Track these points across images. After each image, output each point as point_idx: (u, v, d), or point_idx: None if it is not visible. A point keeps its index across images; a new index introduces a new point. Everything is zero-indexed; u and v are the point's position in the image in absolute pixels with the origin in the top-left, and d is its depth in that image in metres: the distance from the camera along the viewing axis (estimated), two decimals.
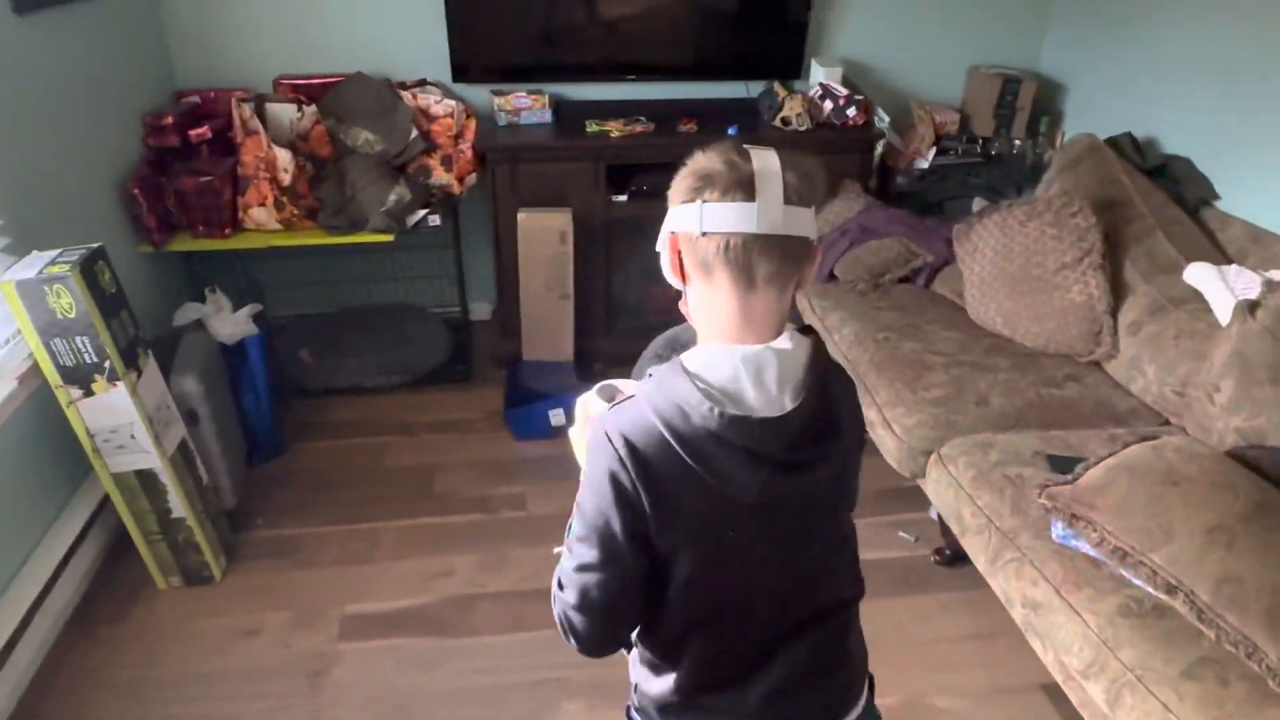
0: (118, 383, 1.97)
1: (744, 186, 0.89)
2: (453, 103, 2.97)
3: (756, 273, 0.91)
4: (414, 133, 2.92)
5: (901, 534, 2.48)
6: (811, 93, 3.12)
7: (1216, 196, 2.64)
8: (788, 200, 0.89)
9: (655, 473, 0.90)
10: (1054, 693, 1.92)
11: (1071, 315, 2.47)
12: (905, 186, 3.30)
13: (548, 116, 3.10)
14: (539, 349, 3.19)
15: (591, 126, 3.03)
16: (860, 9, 3.25)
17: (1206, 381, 2.06)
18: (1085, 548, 1.71)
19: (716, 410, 0.87)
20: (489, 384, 3.17)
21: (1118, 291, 2.46)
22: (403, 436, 2.88)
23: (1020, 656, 2.00)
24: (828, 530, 1.05)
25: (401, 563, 2.35)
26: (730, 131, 3.03)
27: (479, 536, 2.45)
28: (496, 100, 3.05)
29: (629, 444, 0.90)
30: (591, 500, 0.94)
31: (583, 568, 0.95)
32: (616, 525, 0.92)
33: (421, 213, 2.88)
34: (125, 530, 2.16)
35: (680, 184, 0.94)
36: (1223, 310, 2.21)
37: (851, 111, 3.05)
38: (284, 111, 2.77)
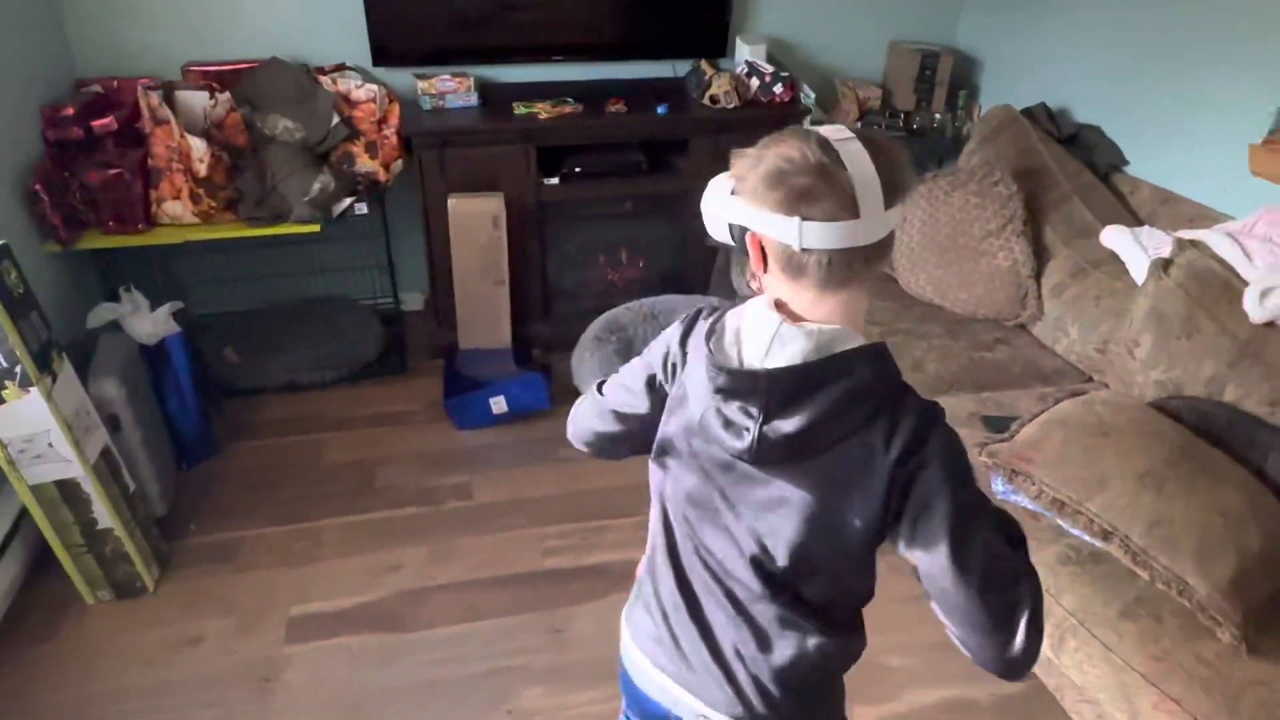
0: (31, 388, 1.86)
1: (847, 204, 0.86)
2: (375, 87, 2.89)
3: (850, 277, 0.91)
4: (335, 119, 2.83)
5: None
6: (738, 70, 3.14)
7: (1126, 162, 2.76)
8: (888, 205, 0.87)
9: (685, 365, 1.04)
10: None
11: (998, 280, 2.56)
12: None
13: (474, 99, 3.04)
14: (476, 337, 3.14)
15: (519, 109, 2.98)
16: None
17: (1126, 338, 2.16)
18: (1024, 502, 1.77)
19: (712, 340, 0.97)
20: (426, 375, 3.11)
21: (1040, 256, 2.55)
22: (340, 432, 2.81)
23: None
24: (769, 541, 1.00)
25: (348, 560, 2.29)
26: (660, 111, 3.03)
27: (426, 529, 2.40)
28: (420, 84, 2.98)
29: (685, 336, 1.05)
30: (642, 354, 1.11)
31: (610, 379, 1.16)
32: (651, 367, 1.09)
33: (347, 201, 2.80)
34: (47, 544, 2.05)
35: (766, 188, 0.89)
36: (1139, 270, 2.32)
37: (778, 89, 3.08)
38: (195, 99, 2.65)
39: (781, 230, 0.88)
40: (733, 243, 0.98)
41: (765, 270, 0.94)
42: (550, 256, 3.21)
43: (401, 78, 3.05)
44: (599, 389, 1.19)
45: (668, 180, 3.18)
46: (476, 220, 2.93)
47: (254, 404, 2.91)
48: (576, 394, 2.84)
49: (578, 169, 3.07)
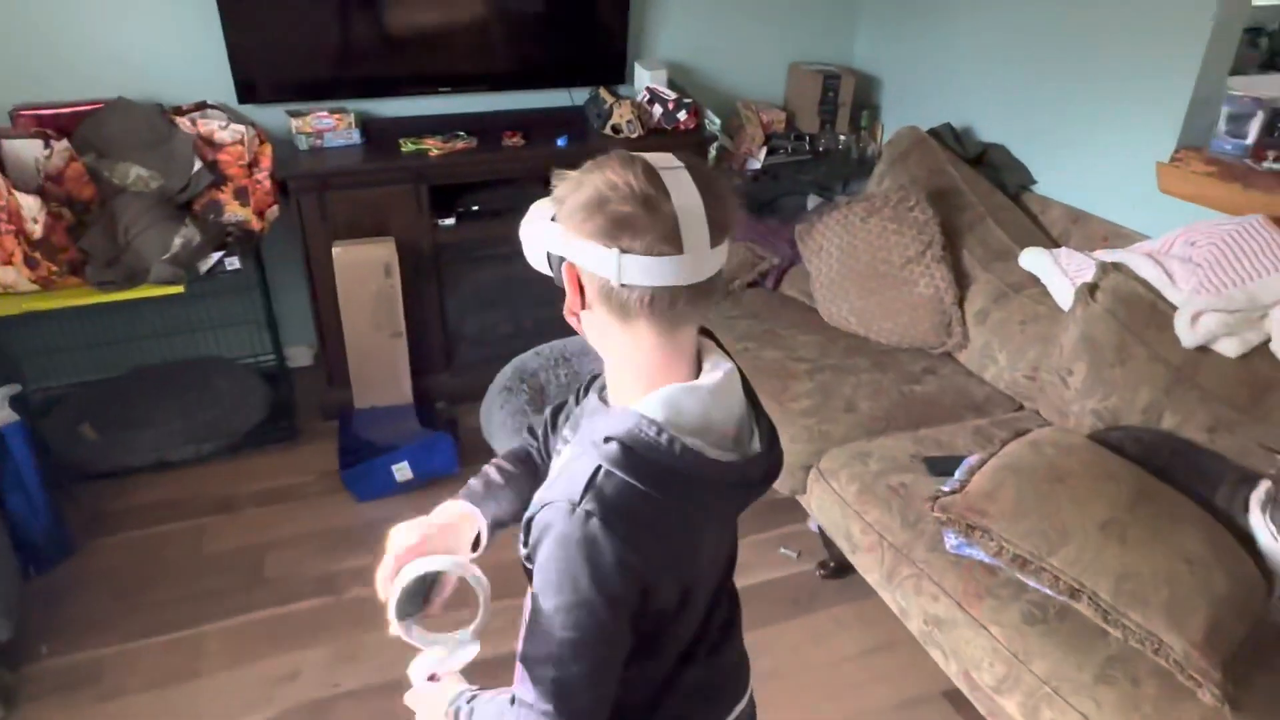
0: None
1: (669, 237, 0.78)
2: (241, 128, 2.60)
3: (682, 318, 0.83)
4: (197, 164, 2.53)
5: (783, 550, 2.40)
6: (640, 98, 3.00)
7: (1034, 181, 2.74)
8: (714, 243, 0.80)
9: (656, 539, 0.81)
10: (956, 698, 1.88)
11: (921, 309, 2.48)
12: (741, 188, 3.24)
13: (356, 137, 2.78)
14: (373, 394, 2.87)
15: (407, 145, 2.75)
16: (679, 10, 3.16)
17: (1059, 366, 2.10)
18: (980, 555, 1.67)
19: (706, 459, 0.81)
20: (319, 440, 2.82)
21: (960, 281, 2.50)
22: (223, 515, 2.49)
23: (920, 664, 1.95)
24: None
25: (235, 672, 2.00)
26: (559, 143, 2.85)
27: (326, 624, 2.13)
28: (294, 122, 2.71)
29: (630, 519, 0.78)
30: (582, 607, 0.79)
31: (572, 688, 0.81)
32: (619, 619, 0.81)
33: (216, 256, 2.50)
34: None
35: (585, 217, 0.80)
36: (1061, 294, 2.27)
37: (682, 115, 2.95)
38: (26, 149, 2.31)
39: (599, 262, 0.79)
40: (550, 273, 0.88)
41: (584, 306, 0.85)
42: (450, 302, 2.98)
43: (272, 115, 2.77)
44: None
45: None
46: (366, 268, 2.67)
47: (118, 489, 2.56)
48: (488, 452, 2.67)
49: (474, 207, 2.86)
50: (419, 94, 2.95)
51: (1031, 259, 2.40)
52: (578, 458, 0.82)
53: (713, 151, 3.11)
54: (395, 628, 1.00)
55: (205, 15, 2.57)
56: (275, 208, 2.70)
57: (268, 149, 2.66)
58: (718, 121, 3.08)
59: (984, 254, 2.52)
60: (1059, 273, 2.31)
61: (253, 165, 2.64)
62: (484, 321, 3.11)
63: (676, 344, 0.84)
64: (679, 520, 0.83)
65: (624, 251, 0.78)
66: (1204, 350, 1.91)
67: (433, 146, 2.74)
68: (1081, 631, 1.51)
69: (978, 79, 2.91)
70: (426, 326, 2.93)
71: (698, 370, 0.87)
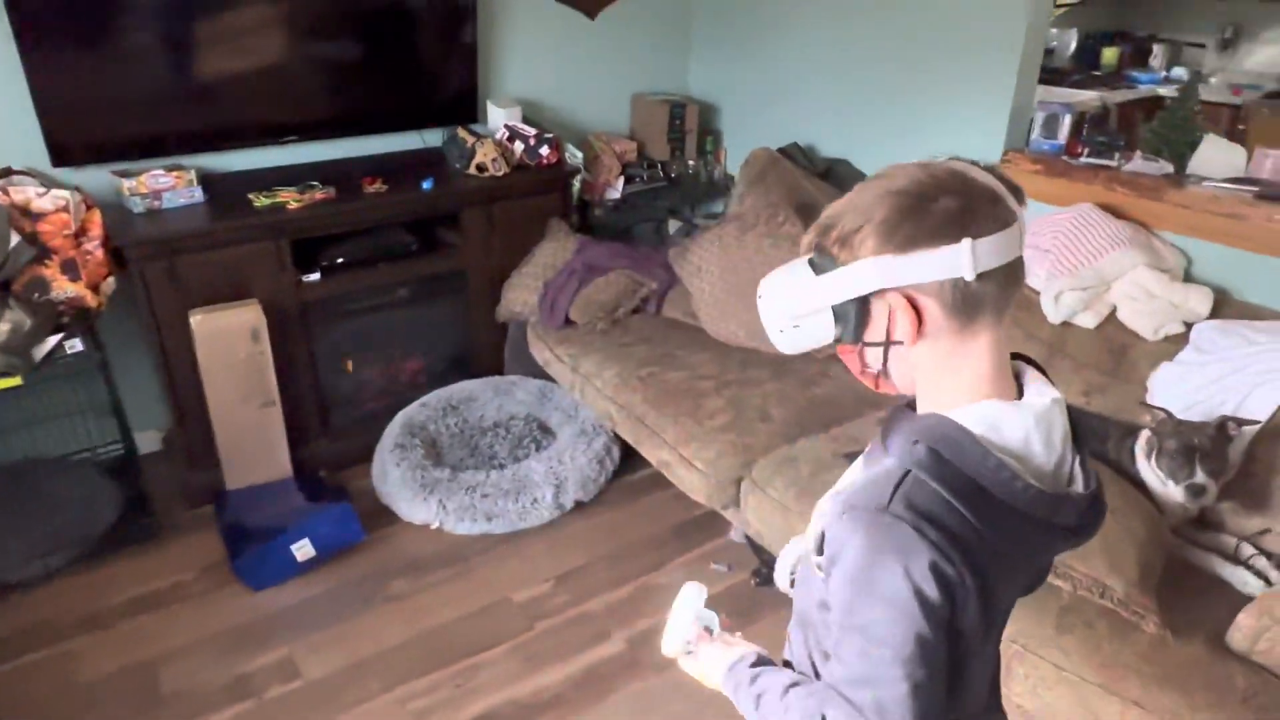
0: None
1: (1001, 208, 0.75)
2: (64, 194, 2.30)
3: (1010, 303, 0.78)
4: (15, 238, 2.22)
5: (714, 566, 2.43)
6: (499, 135, 2.96)
7: None
8: (1020, 203, 0.78)
9: (965, 554, 0.74)
10: None
11: None
12: (603, 218, 3.28)
13: (198, 195, 2.55)
14: (247, 472, 2.62)
15: (259, 200, 2.56)
16: (524, 47, 3.16)
17: None
18: None
19: (1021, 484, 0.75)
20: (189, 532, 2.53)
21: None
22: (93, 634, 2.17)
23: None
24: None
25: None
26: (425, 186, 2.76)
27: None
28: (126, 183, 2.44)
29: (941, 526, 0.73)
30: (896, 617, 0.73)
31: (892, 707, 0.75)
32: (933, 629, 0.73)
33: (53, 340, 2.20)
34: None
35: (911, 228, 0.74)
36: None
37: (544, 150, 2.95)
38: None
39: (946, 263, 0.74)
40: (835, 336, 0.81)
41: (922, 334, 0.77)
42: (322, 363, 2.78)
43: (94, 177, 2.49)
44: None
45: (443, 258, 2.91)
46: (230, 336, 2.44)
47: None
48: (388, 515, 2.52)
49: (340, 260, 2.70)
50: (261, 145, 2.75)
51: None
52: (876, 464, 0.78)
53: (576, 184, 3.13)
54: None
55: (6, 70, 2.27)
56: (111, 280, 2.41)
57: (96, 215, 2.38)
58: (579, 154, 3.11)
59: None
60: None
61: (80, 234, 2.35)
62: (359, 379, 2.93)
63: (1003, 352, 0.79)
64: (988, 546, 0.75)
65: (976, 239, 0.72)
66: (1067, 325, 2.16)
67: (290, 199, 2.57)
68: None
69: (813, 97, 3.12)
70: (299, 391, 2.72)
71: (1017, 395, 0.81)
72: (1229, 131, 3.74)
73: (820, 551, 0.81)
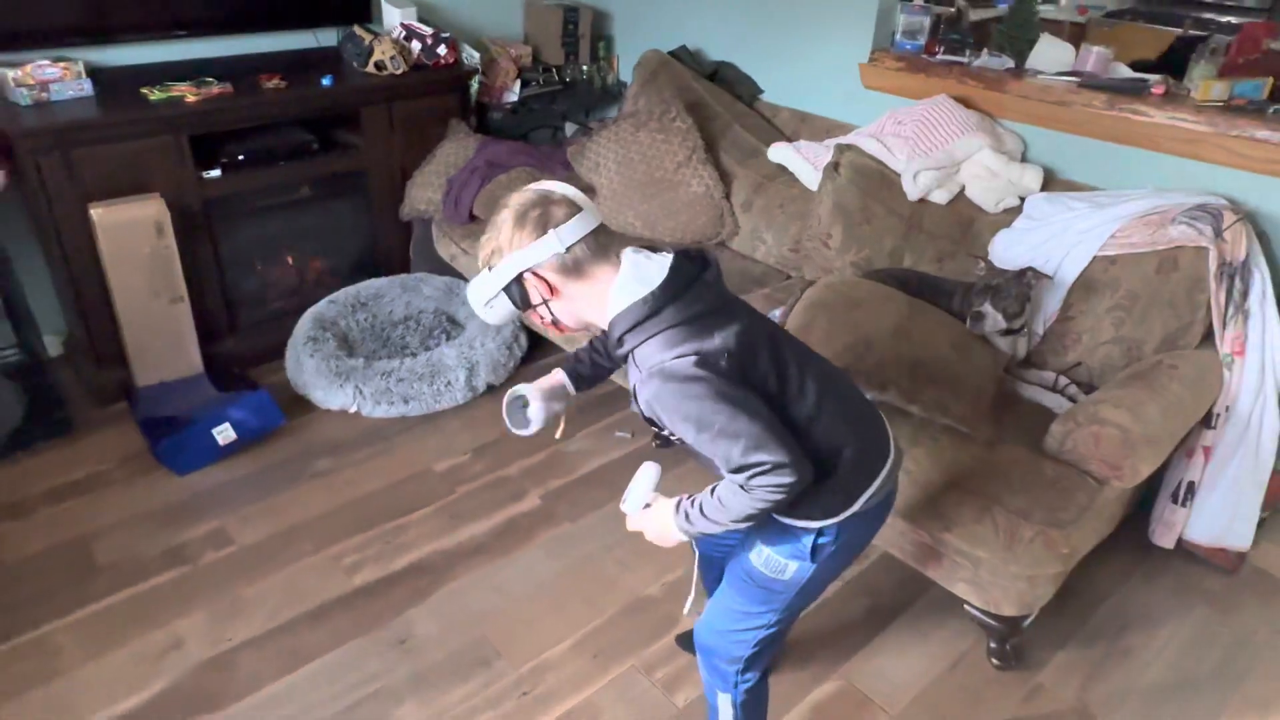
0: None
1: (570, 204, 1.24)
2: None
3: (611, 247, 1.26)
4: None
5: (618, 434, 2.66)
6: (396, 34, 3.00)
7: (761, 91, 3.19)
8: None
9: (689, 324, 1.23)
10: None
11: (697, 205, 2.83)
12: (500, 121, 3.37)
13: (88, 87, 2.51)
14: (158, 369, 2.66)
15: (154, 94, 2.54)
16: None
17: (819, 233, 2.54)
18: None
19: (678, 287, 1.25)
20: (105, 428, 2.57)
21: (724, 179, 2.87)
22: (17, 520, 2.22)
23: None
24: None
25: (105, 658, 1.85)
26: (325, 82, 2.79)
27: (191, 592, 2.03)
28: (10, 74, 2.38)
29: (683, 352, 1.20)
30: (704, 394, 1.16)
31: (761, 437, 1.17)
32: (730, 385, 1.18)
33: None
34: None
35: (518, 229, 1.22)
36: (806, 177, 2.73)
37: (442, 50, 3.01)
38: None
39: (542, 249, 1.22)
40: (519, 309, 1.29)
41: (556, 293, 1.26)
42: (226, 261, 2.81)
43: None
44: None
45: (344, 157, 2.96)
46: (135, 229, 2.46)
47: None
48: (305, 404, 2.62)
49: (240, 157, 2.72)
50: (149, 40, 2.71)
51: (778, 153, 2.83)
52: (630, 369, 1.28)
53: (474, 85, 3.20)
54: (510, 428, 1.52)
55: None
56: (1, 174, 2.37)
57: None
58: (476, 55, 3.17)
59: (738, 154, 2.91)
60: (802, 161, 2.76)
61: None
62: (265, 278, 2.97)
63: (614, 264, 1.26)
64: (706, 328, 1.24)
65: (556, 226, 1.20)
66: (924, 201, 2.44)
67: (187, 93, 2.56)
68: (893, 414, 1.93)
69: (700, 4, 3.28)
70: (205, 290, 2.76)
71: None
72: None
73: (656, 424, 1.28)
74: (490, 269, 1.26)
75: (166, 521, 2.24)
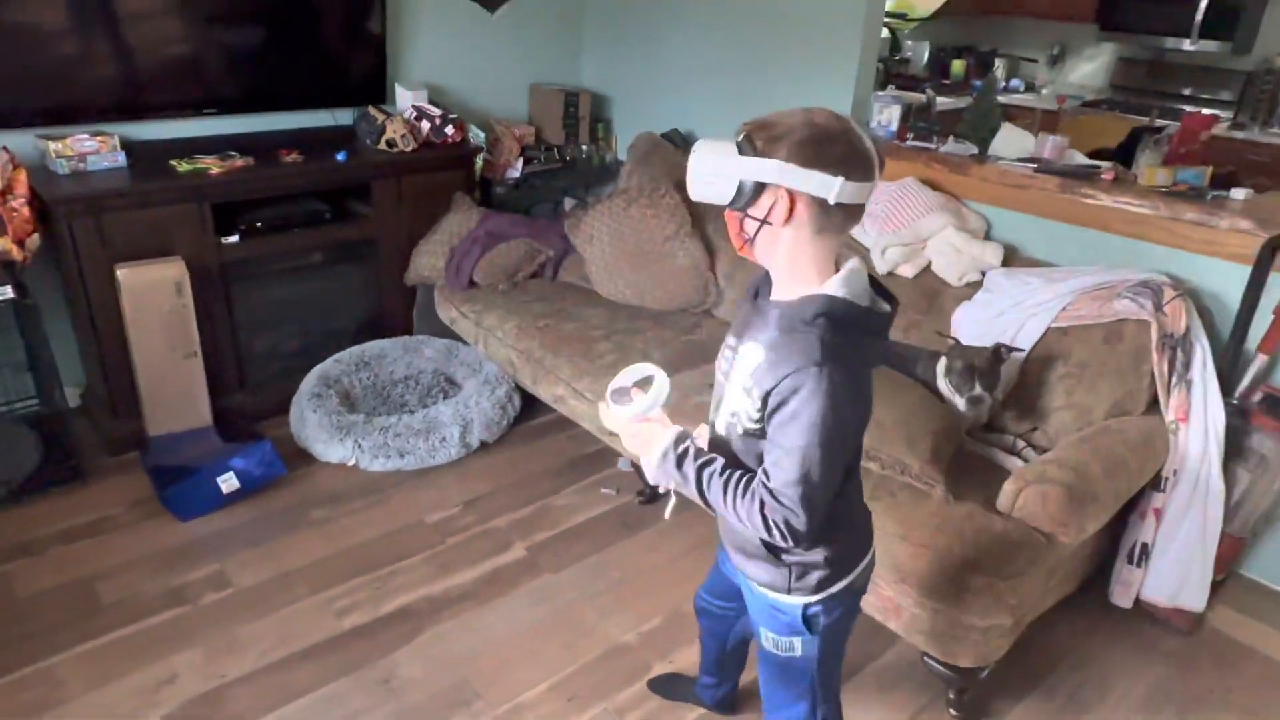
0: None
1: (868, 170, 1.11)
2: None
3: (847, 230, 1.18)
4: None
5: (604, 490, 2.78)
6: (407, 115, 3.23)
7: None
8: (881, 175, 1.16)
9: (860, 370, 1.20)
10: None
11: (684, 276, 3.01)
12: (504, 196, 3.59)
13: (121, 159, 2.73)
14: (169, 420, 2.80)
15: (182, 166, 2.76)
16: (429, 35, 3.44)
17: None
18: None
19: (874, 315, 1.20)
20: (114, 475, 2.70)
21: (709, 251, 3.06)
22: (27, 558, 2.34)
23: None
24: None
25: (105, 689, 1.95)
26: (339, 157, 3.01)
27: (190, 630, 2.13)
28: (52, 145, 2.61)
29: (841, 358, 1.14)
30: (830, 436, 1.12)
31: (816, 482, 1.15)
32: (856, 432, 1.23)
33: None
34: None
35: (815, 150, 1.09)
36: None
37: (449, 130, 3.24)
38: None
39: (820, 185, 1.09)
40: (729, 200, 1.14)
41: (789, 222, 1.13)
42: (240, 320, 2.99)
43: (20, 141, 2.64)
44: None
45: (354, 226, 3.16)
46: (156, 288, 2.64)
47: None
48: (306, 457, 2.76)
49: (258, 224, 2.92)
50: (180, 117, 2.95)
51: None
52: (789, 337, 1.15)
53: (479, 162, 3.43)
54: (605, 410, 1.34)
55: None
56: (36, 236, 2.57)
57: (22, 174, 2.53)
58: (481, 135, 3.41)
59: (722, 228, 3.10)
60: None
61: (6, 192, 2.51)
62: (275, 337, 3.14)
63: (834, 253, 1.19)
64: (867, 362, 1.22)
65: (848, 181, 1.08)
66: (891, 274, 2.61)
67: (212, 165, 2.78)
68: None
69: (691, 90, 3.53)
70: (218, 346, 2.92)
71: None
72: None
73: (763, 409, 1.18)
74: (755, 151, 1.11)
75: (169, 563, 2.35)
